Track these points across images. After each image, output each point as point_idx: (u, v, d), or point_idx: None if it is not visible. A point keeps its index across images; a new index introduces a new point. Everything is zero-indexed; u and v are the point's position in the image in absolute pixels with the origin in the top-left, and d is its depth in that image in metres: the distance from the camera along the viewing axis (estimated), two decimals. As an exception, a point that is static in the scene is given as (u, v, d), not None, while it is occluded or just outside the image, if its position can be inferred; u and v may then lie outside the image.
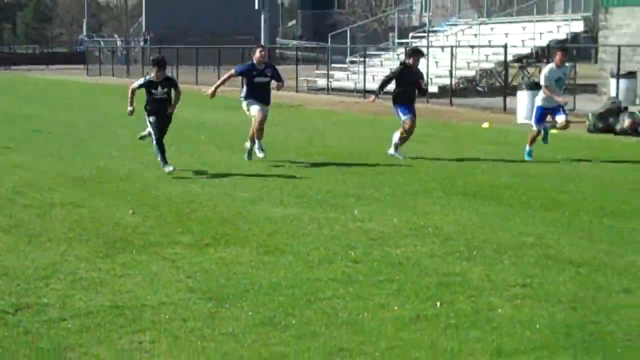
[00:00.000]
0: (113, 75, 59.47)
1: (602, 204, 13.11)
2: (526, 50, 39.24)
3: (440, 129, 24.87)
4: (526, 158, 18.17)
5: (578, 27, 39.70)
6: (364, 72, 39.32)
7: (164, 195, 13.66)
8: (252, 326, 7.39)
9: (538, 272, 9.13)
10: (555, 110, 18.24)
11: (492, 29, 42.96)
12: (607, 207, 12.92)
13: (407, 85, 18.12)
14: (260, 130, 17.08)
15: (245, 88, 17.63)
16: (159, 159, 15.98)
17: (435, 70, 38.42)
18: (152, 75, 16.28)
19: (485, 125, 25.66)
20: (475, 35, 42.69)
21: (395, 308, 7.90)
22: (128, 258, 9.74)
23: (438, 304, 8.02)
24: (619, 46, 30.46)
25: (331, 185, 14.54)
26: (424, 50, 18.74)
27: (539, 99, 18.29)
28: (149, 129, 16.62)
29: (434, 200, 13.26)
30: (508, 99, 30.32)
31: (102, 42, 75.49)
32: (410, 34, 48.23)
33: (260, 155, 17.09)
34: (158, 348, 6.89)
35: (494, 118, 28.08)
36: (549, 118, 18.45)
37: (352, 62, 45.20)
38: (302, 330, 7.28)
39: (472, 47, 39.66)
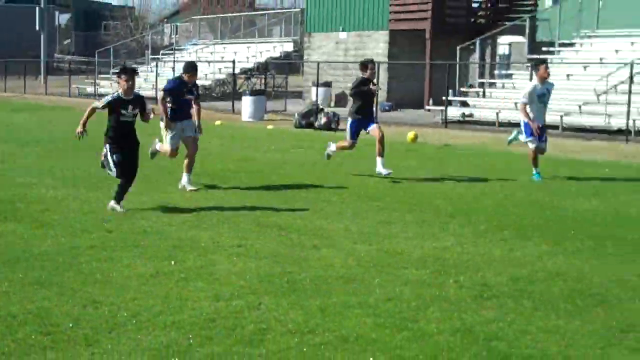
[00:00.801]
0: None
1: (303, 180, 13.44)
2: (250, 65, 39.87)
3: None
4: (536, 180, 13.72)
5: (289, 47, 40.66)
6: (125, 81, 38.61)
7: (-47, 182, 12.86)
8: (22, 286, 7.08)
9: (251, 235, 9.23)
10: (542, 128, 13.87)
11: (224, 47, 43.22)
12: (306, 181, 13.26)
13: (367, 97, 13.97)
14: (192, 162, 12.63)
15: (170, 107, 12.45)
16: (113, 192, 10.68)
17: (181, 80, 38.18)
18: (120, 90, 10.46)
19: (218, 122, 25.69)
20: (212, 52, 42.86)
21: (139, 267, 7.79)
22: None
23: (172, 262, 7.96)
24: (318, 62, 31.32)
25: (93, 169, 14.09)
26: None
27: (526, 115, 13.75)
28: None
29: (174, 181, 13.09)
30: (236, 103, 30.55)
31: None
32: (161, 51, 47.83)
33: (191, 188, 12.41)
34: (-60, 308, 6.49)
35: (225, 117, 28.20)
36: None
37: (114, 73, 44.11)
38: (63, 288, 7.04)
39: (209, 62, 39.70)
